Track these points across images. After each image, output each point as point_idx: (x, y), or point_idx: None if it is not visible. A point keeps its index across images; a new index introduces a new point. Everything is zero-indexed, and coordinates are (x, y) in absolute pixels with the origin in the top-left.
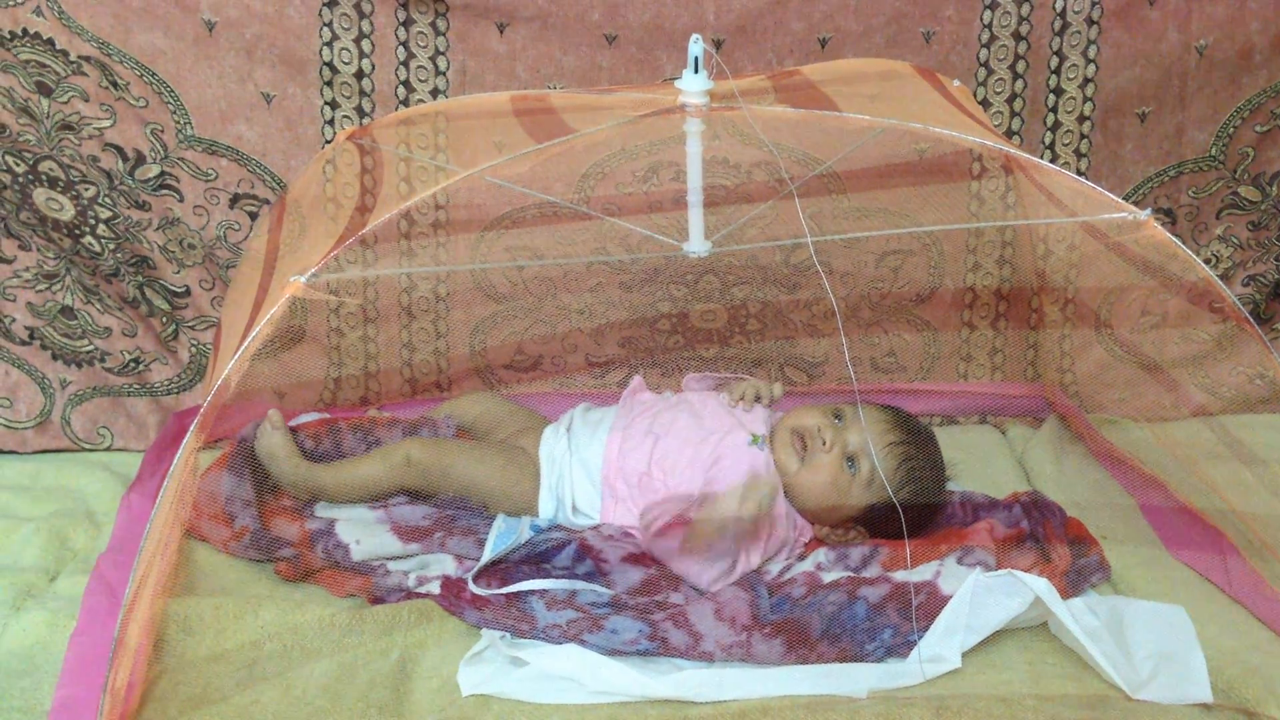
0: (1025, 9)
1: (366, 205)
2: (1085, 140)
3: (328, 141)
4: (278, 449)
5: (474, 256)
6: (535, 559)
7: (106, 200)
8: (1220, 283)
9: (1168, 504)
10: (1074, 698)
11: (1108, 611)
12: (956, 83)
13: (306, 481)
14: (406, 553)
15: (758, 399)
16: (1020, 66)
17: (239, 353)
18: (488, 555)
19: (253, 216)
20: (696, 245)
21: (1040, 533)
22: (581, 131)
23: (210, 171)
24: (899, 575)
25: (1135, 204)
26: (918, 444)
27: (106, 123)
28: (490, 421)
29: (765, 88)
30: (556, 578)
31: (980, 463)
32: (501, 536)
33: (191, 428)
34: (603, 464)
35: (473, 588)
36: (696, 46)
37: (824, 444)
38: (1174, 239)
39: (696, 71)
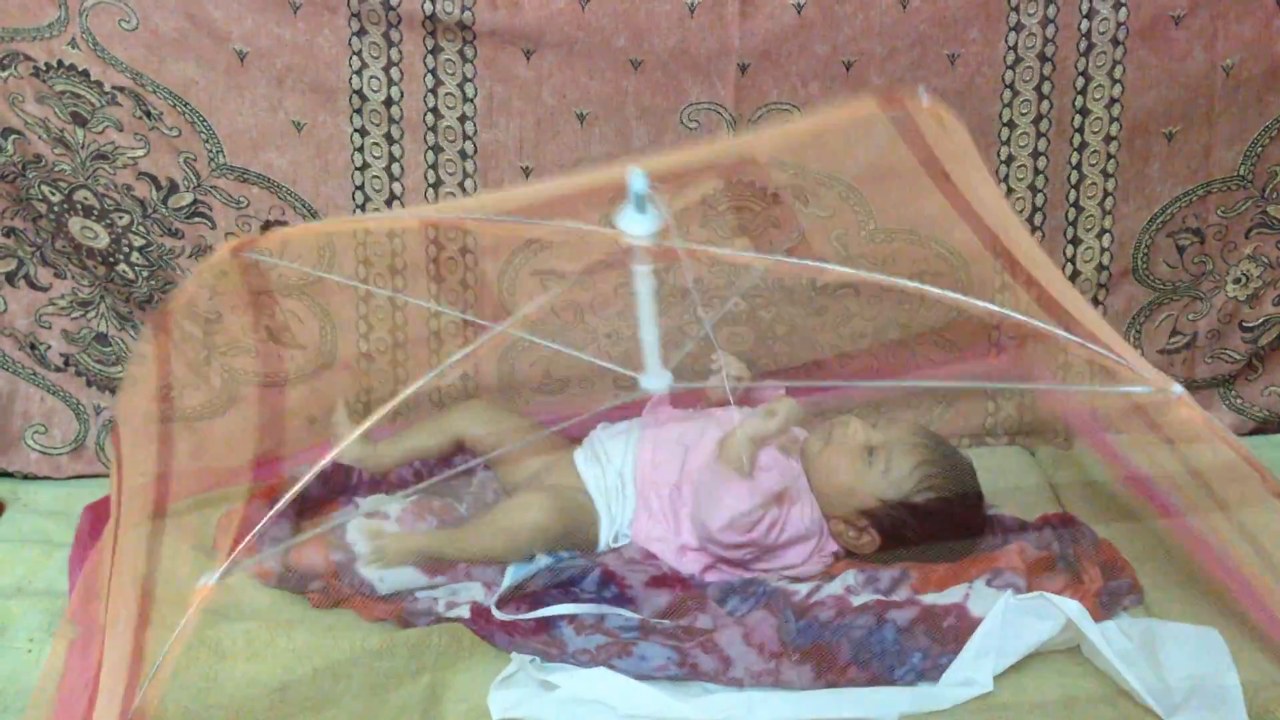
0: (1050, 30)
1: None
2: (1112, 160)
3: (357, 169)
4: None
5: (499, 280)
6: (563, 584)
7: (140, 228)
8: (1249, 453)
9: (1199, 526)
10: None
11: (1141, 634)
12: (925, 100)
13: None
14: (433, 584)
15: (731, 384)
16: (1046, 88)
17: (152, 673)
18: (507, 583)
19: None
20: (654, 381)
21: (1071, 555)
22: (515, 316)
23: (242, 199)
24: (928, 598)
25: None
26: (942, 455)
27: (140, 152)
28: (497, 438)
29: (715, 187)
30: (584, 602)
31: (1010, 484)
32: (519, 565)
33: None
34: (636, 474)
35: (497, 614)
36: (639, 182)
37: (850, 431)
38: (1210, 416)
39: (642, 211)
